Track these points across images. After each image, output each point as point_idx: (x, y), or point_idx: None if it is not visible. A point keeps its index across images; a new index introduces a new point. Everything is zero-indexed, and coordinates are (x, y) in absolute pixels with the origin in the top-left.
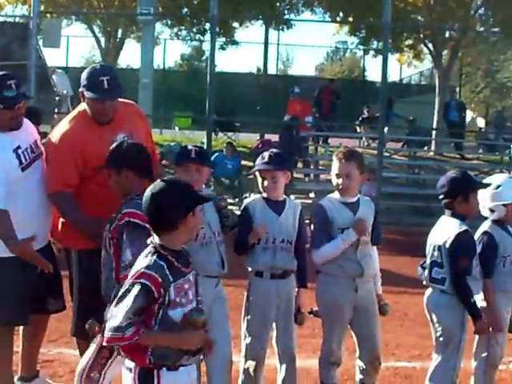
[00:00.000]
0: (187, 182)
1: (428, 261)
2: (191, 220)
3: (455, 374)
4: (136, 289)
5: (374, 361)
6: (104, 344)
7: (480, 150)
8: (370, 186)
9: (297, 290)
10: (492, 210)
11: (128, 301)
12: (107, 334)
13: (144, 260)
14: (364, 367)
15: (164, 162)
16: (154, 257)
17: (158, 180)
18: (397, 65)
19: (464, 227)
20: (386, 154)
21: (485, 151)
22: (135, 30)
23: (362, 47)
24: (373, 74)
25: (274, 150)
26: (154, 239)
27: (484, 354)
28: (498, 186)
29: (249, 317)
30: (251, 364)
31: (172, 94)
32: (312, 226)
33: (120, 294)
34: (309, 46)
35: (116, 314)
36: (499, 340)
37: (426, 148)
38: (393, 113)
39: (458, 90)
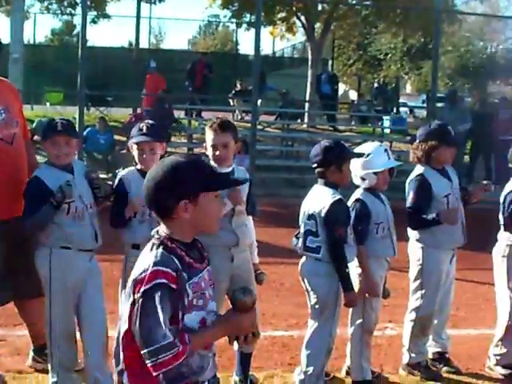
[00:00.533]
0: (200, 159)
1: (302, 229)
2: (205, 205)
3: (331, 340)
4: (156, 294)
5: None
6: (156, 373)
7: (352, 122)
8: (242, 158)
9: None
10: (363, 179)
11: (156, 312)
12: (155, 359)
13: (148, 256)
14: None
15: (35, 137)
16: (160, 249)
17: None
18: (269, 38)
19: (338, 196)
20: (260, 126)
21: (357, 123)
22: (4, 4)
23: (234, 20)
24: (246, 47)
25: (151, 122)
26: (160, 229)
27: (359, 320)
28: (368, 155)
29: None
30: None
31: (43, 69)
32: None
33: (137, 309)
34: (181, 19)
35: (151, 334)
36: (374, 305)
37: (299, 120)
38: (266, 86)
39: (330, 62)
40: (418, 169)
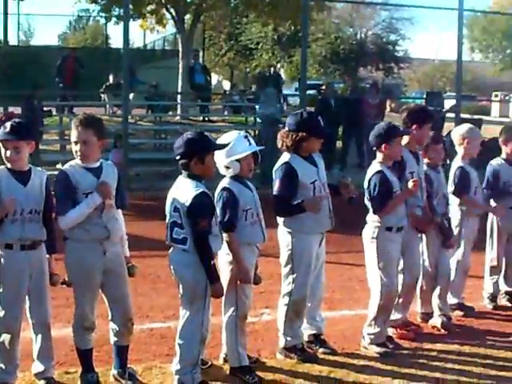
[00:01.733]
0: None
1: (167, 221)
2: None
3: (204, 329)
4: None
5: (127, 322)
6: None
7: (225, 112)
8: (118, 152)
9: (48, 257)
10: (227, 167)
11: None
12: None
13: None
14: (117, 329)
15: None
16: None
17: None
18: (140, 31)
19: (201, 189)
20: (132, 120)
21: (230, 113)
22: None
23: (103, 14)
24: (117, 41)
25: (17, 120)
26: None
27: (232, 308)
28: (229, 143)
29: (0, 290)
30: (6, 337)
31: None
32: (56, 193)
33: None
34: (51, 15)
35: None
36: (247, 292)
37: (171, 113)
38: (136, 79)
39: (201, 53)
40: (285, 156)
